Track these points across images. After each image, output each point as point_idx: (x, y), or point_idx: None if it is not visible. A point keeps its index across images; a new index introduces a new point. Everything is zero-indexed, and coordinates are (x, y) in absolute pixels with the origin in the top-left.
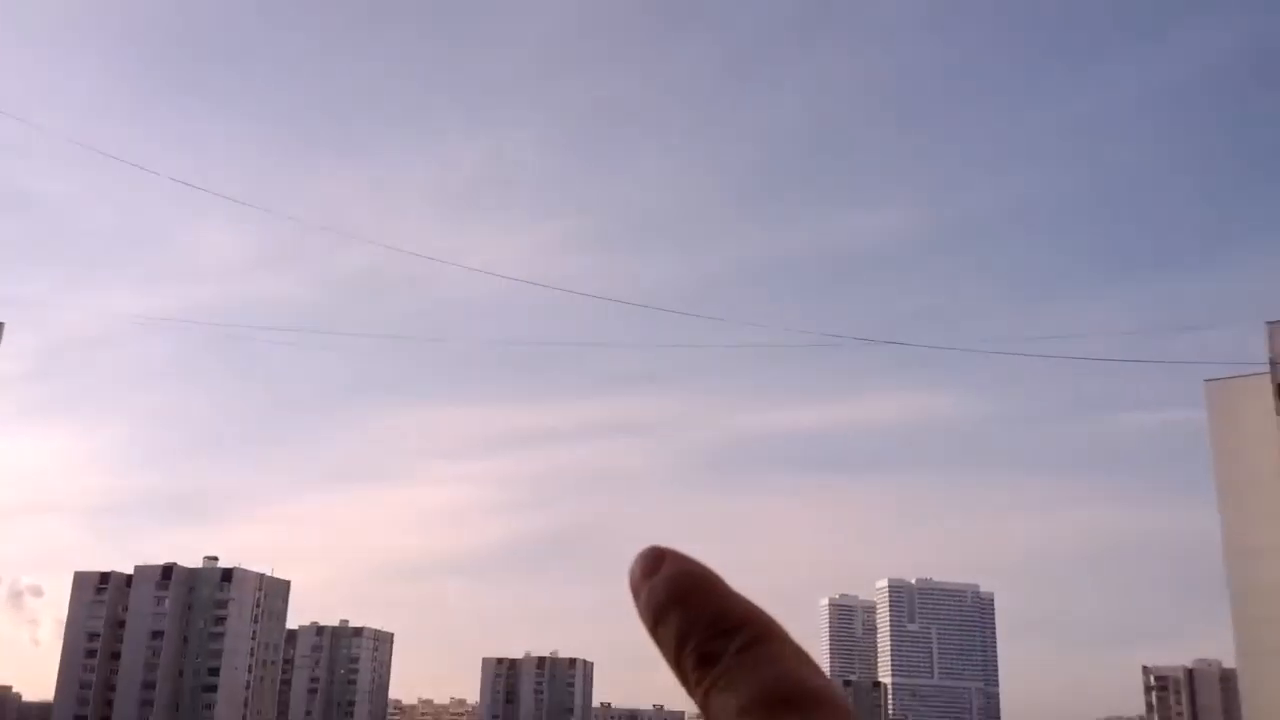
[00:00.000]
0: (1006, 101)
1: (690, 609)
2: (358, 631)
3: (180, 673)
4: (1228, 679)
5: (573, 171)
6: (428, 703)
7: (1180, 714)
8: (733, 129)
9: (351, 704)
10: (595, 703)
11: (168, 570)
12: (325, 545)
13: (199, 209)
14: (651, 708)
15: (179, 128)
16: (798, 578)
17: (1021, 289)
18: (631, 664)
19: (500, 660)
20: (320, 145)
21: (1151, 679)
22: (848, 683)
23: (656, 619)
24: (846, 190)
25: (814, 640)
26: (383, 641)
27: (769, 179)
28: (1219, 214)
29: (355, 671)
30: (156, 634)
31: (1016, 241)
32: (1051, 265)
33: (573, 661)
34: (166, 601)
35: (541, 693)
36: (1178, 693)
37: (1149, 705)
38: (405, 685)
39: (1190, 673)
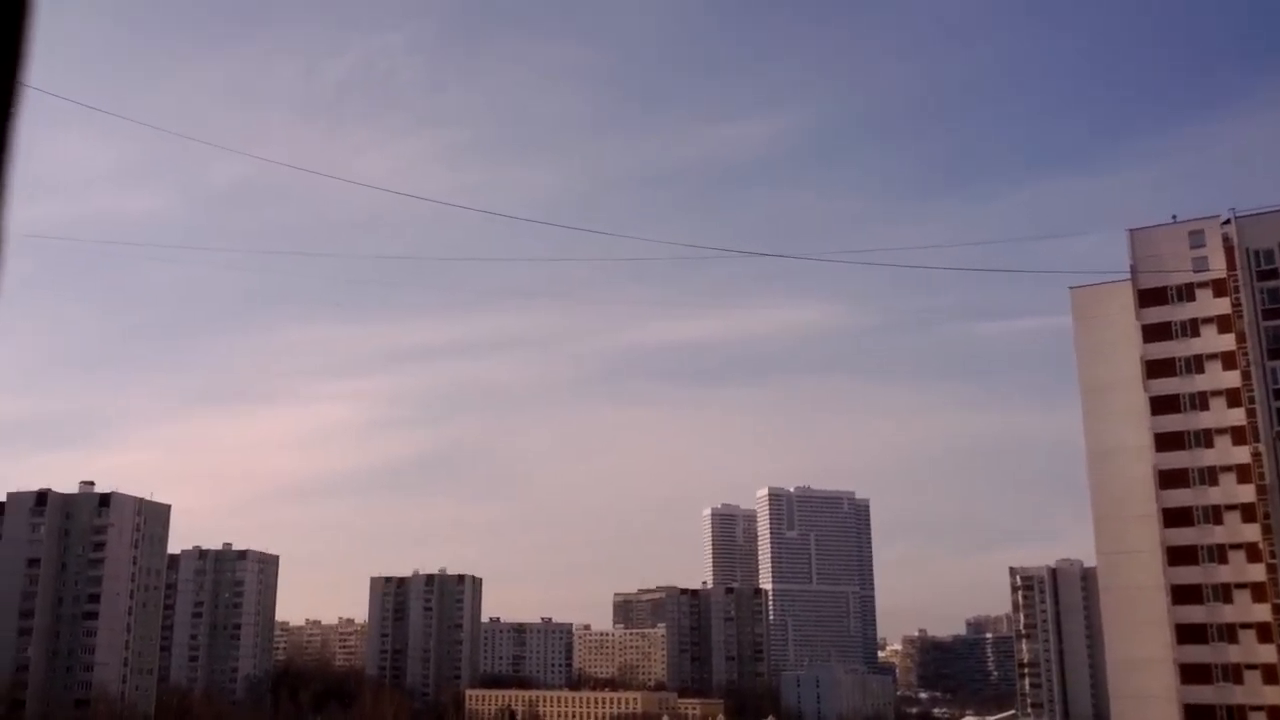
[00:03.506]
0: (866, 11)
1: None
2: (241, 554)
3: (60, 600)
4: (1088, 577)
5: (447, 79)
6: (315, 624)
7: (1044, 611)
8: (608, 36)
9: (238, 627)
10: (484, 617)
11: (42, 496)
12: (205, 468)
13: (57, 120)
14: (540, 620)
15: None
16: (682, 488)
17: (889, 200)
18: (519, 578)
19: (389, 579)
20: (183, 54)
21: (1018, 579)
22: (729, 589)
23: None
24: (717, 102)
25: (698, 549)
26: (268, 564)
27: (644, 89)
28: (1084, 123)
29: (240, 595)
30: (33, 562)
31: (883, 152)
32: (918, 176)
33: (461, 578)
34: (42, 529)
35: (431, 609)
36: (1042, 591)
37: (1015, 604)
38: (292, 607)
39: (1054, 572)
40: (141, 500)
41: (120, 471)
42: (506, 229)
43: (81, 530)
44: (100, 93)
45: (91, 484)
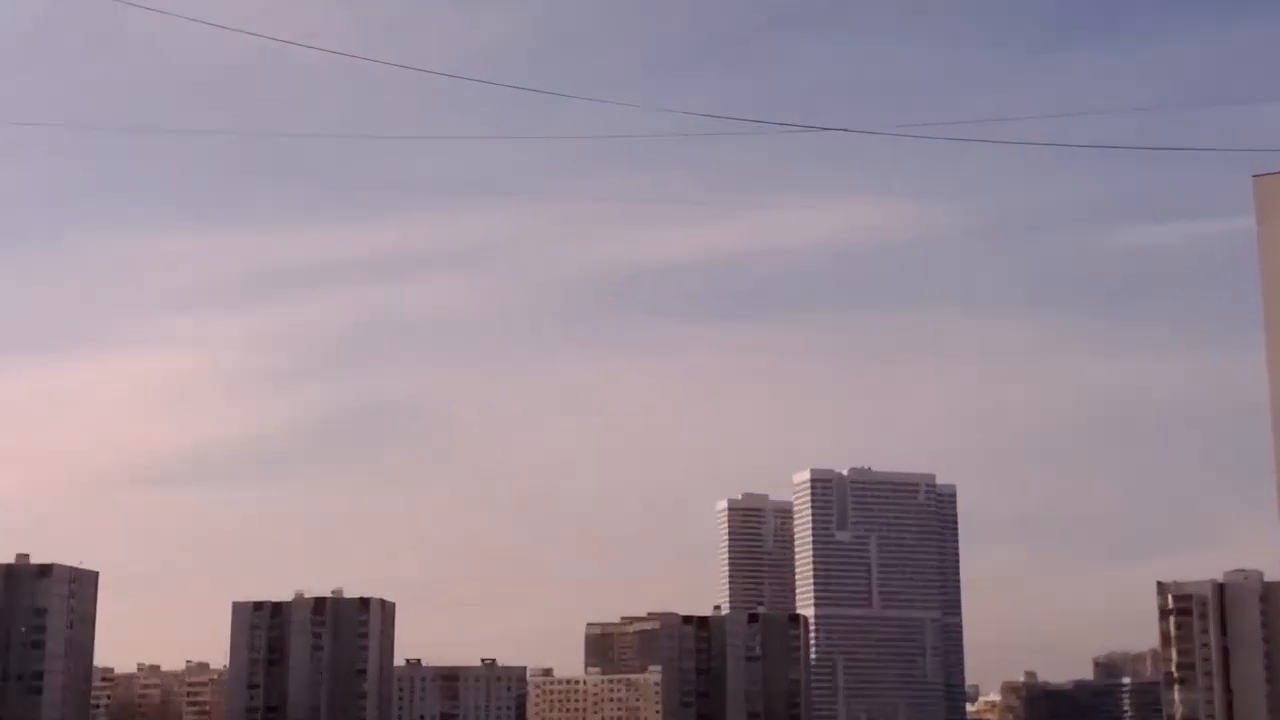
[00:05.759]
0: None
1: None
2: (44, 570)
3: None
4: (1270, 596)
5: None
6: (153, 669)
7: (1206, 645)
8: None
9: (39, 676)
10: (399, 659)
11: None
12: (1, 443)
13: None
14: (480, 663)
15: None
16: (684, 471)
17: (989, 53)
18: (448, 602)
19: (260, 604)
20: None
21: (1169, 599)
22: (753, 616)
23: None
24: None
25: (708, 556)
26: (83, 583)
27: None
28: None
29: (42, 631)
30: None
31: None
32: (1029, 21)
33: (365, 602)
34: None
35: (321, 648)
36: (1203, 616)
37: (1165, 634)
38: (119, 647)
39: (1221, 588)
40: None
41: None
42: (436, 95)
43: None
44: None
45: None
